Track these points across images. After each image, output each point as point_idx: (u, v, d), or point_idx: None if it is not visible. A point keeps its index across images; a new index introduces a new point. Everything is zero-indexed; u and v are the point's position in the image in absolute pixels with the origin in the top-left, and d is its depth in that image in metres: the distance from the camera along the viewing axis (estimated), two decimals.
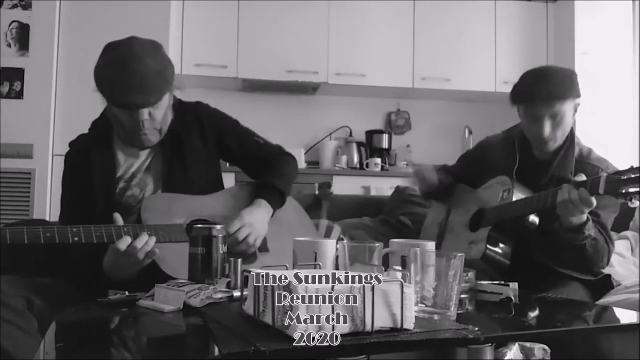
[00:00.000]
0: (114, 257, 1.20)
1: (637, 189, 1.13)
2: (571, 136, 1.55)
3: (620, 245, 1.91)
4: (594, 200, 1.25)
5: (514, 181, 1.52)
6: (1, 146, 2.88)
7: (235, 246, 1.29)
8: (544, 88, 1.47)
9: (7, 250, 1.36)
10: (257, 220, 1.34)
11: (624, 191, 1.16)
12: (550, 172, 1.54)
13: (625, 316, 1.13)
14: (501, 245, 1.50)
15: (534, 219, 1.43)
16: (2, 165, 2.89)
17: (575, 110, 1.53)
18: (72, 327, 0.96)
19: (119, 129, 1.38)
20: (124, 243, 1.16)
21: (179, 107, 1.43)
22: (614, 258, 1.79)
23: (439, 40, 3.80)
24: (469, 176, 1.73)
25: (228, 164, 1.64)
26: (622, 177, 1.17)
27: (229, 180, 1.60)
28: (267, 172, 1.46)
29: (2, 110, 2.92)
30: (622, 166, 1.26)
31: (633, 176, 1.15)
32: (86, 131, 1.47)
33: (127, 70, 1.25)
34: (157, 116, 1.33)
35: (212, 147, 1.47)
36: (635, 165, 1.17)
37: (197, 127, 1.45)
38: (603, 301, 1.44)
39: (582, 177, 1.27)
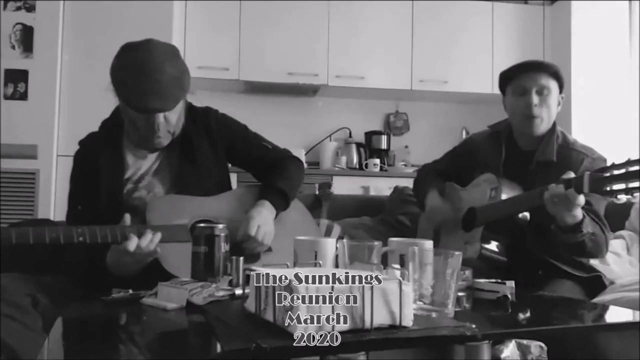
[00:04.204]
0: (118, 255, 1.21)
1: (621, 186, 1.13)
2: (553, 127, 1.59)
3: (616, 244, 1.93)
4: (582, 198, 1.26)
5: (500, 178, 1.54)
6: (6, 147, 2.89)
7: (256, 247, 1.32)
8: (531, 63, 1.59)
9: (10, 248, 1.37)
10: (266, 220, 1.35)
11: (608, 188, 1.16)
12: (535, 159, 1.56)
13: (621, 314, 1.14)
14: (495, 243, 1.51)
15: (524, 214, 1.45)
16: (7, 166, 2.90)
17: (559, 103, 1.59)
18: (76, 325, 0.97)
19: (131, 130, 1.38)
20: (132, 244, 1.17)
21: (189, 111, 1.44)
22: (610, 257, 1.81)
23: (437, 42, 3.81)
24: (456, 173, 1.75)
25: (230, 165, 1.65)
26: (605, 175, 1.17)
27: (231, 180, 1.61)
28: (272, 174, 1.48)
29: (6, 111, 2.93)
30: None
31: (616, 172, 1.15)
32: (90, 131, 1.48)
33: (146, 75, 1.26)
34: (172, 120, 1.34)
35: (221, 151, 1.48)
36: (617, 162, 1.17)
37: (206, 132, 1.46)
38: (599, 299, 1.45)
39: (570, 175, 1.27)
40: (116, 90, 1.31)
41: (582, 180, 1.22)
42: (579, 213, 1.32)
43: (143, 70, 1.26)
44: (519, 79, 1.57)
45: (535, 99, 1.54)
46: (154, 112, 1.30)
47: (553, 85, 1.56)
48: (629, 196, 1.13)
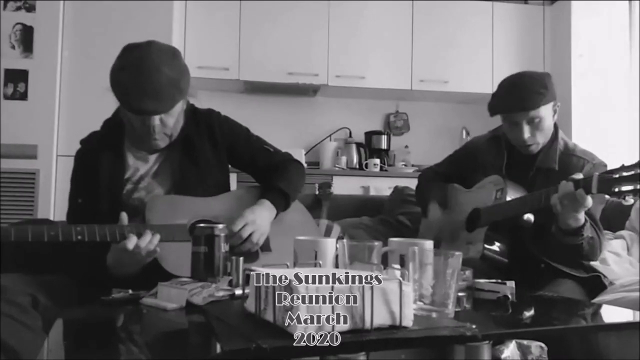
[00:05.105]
0: (118, 255, 1.22)
1: (630, 187, 1.14)
2: (555, 132, 1.58)
3: (616, 244, 1.93)
4: (589, 200, 1.26)
5: (506, 180, 1.54)
6: (6, 147, 2.89)
7: (239, 244, 1.31)
8: (517, 97, 1.50)
9: (11, 248, 1.37)
10: (259, 218, 1.35)
11: (616, 189, 1.17)
12: (536, 164, 1.56)
13: (621, 314, 1.14)
14: (498, 244, 1.51)
15: (528, 216, 1.45)
16: (7, 166, 2.91)
17: (555, 112, 1.57)
18: (77, 325, 0.97)
19: (129, 131, 1.39)
20: (131, 243, 1.18)
21: (192, 113, 1.45)
22: (610, 257, 1.81)
23: (437, 42, 3.82)
24: (458, 176, 1.75)
25: (230, 166, 1.66)
26: (614, 176, 1.17)
27: (231, 181, 1.62)
28: (274, 176, 1.48)
29: (6, 111, 2.94)
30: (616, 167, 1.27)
31: (625, 174, 1.16)
32: (90, 131, 1.48)
33: (142, 76, 1.26)
34: (169, 122, 1.34)
35: (222, 153, 1.48)
36: (626, 164, 1.18)
37: (208, 134, 1.46)
38: (599, 299, 1.46)
39: (579, 176, 1.28)
40: (113, 90, 1.31)
41: (591, 181, 1.23)
42: (582, 217, 1.33)
43: (140, 72, 1.26)
44: (508, 115, 1.54)
45: (526, 131, 1.51)
46: (149, 114, 1.29)
47: (544, 110, 1.51)
48: (637, 198, 1.13)
